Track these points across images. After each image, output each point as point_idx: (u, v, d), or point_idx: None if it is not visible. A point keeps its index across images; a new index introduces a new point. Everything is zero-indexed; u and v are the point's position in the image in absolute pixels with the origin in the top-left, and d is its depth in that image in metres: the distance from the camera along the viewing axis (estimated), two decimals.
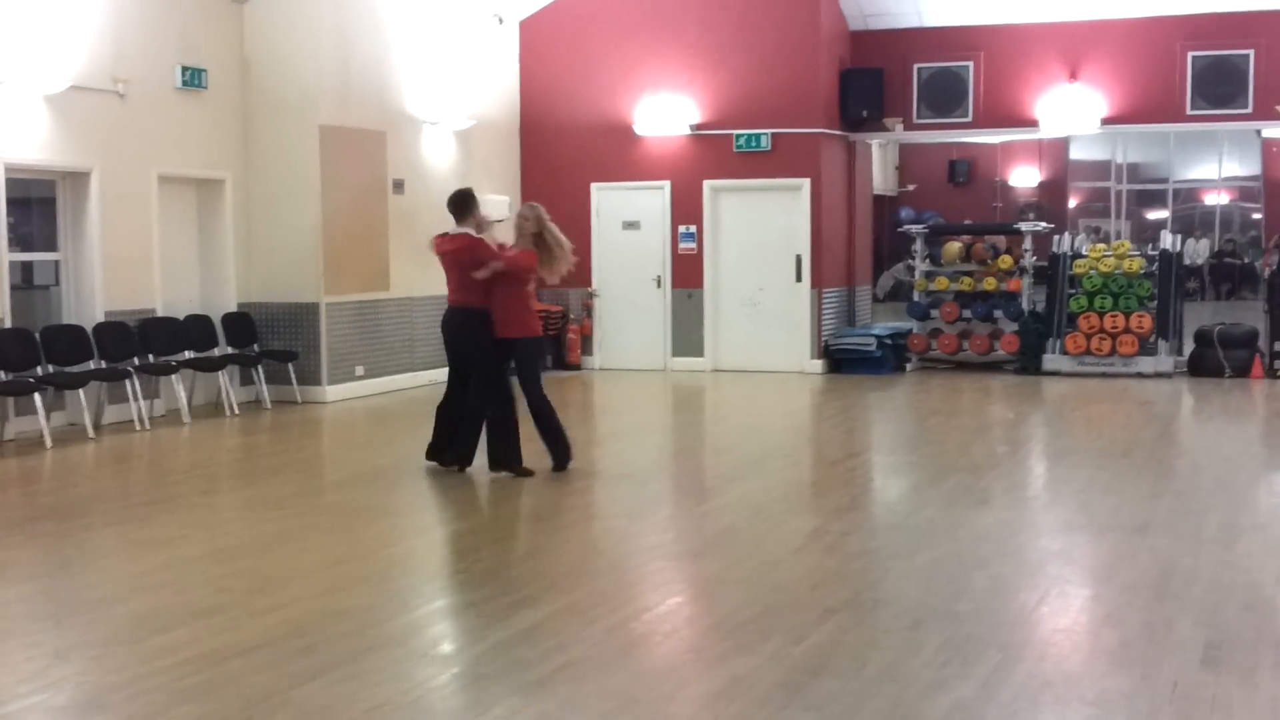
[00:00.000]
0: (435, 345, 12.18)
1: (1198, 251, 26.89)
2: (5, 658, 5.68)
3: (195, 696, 5.07)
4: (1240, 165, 27.33)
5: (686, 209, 16.80)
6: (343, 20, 14.11)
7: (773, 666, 5.36)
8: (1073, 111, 16.62)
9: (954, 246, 17.11)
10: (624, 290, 17.10)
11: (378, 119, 14.60)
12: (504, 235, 10.46)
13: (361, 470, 10.13)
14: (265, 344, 13.93)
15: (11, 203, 11.65)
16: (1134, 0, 16.10)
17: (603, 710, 4.93)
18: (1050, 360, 16.10)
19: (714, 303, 16.82)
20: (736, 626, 5.93)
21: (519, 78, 17.24)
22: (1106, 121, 16.62)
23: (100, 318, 12.26)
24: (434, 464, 9.80)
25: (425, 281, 14.05)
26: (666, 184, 16.87)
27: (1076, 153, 27.14)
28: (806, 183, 16.41)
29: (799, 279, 16.53)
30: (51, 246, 12.42)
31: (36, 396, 11.12)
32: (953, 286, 16.89)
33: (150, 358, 12.51)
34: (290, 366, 13.79)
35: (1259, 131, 19.88)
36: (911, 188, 27.14)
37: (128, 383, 12.06)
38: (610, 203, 17.12)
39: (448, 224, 9.88)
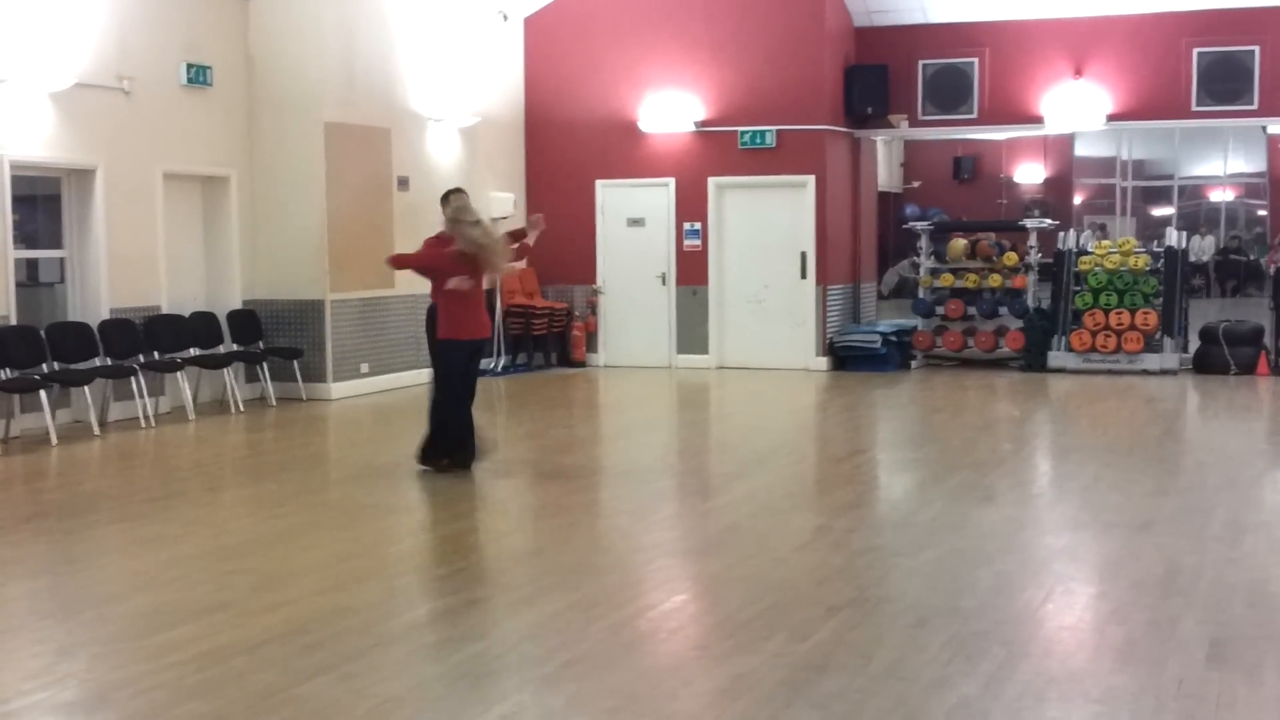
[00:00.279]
0: None
1: (1203, 248, 26.81)
2: (10, 654, 5.69)
3: (200, 693, 5.08)
4: (1246, 162, 27.24)
5: (691, 206, 16.80)
6: (347, 17, 14.11)
7: (777, 664, 5.35)
8: (1078, 108, 16.60)
9: (959, 243, 17.10)
10: (628, 287, 17.10)
11: (383, 116, 14.60)
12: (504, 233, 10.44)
13: (366, 467, 10.13)
14: (270, 341, 13.94)
15: (17, 200, 11.67)
16: None
17: (607, 707, 4.93)
18: (1055, 357, 16.08)
19: (719, 300, 16.81)
20: (741, 624, 5.93)
21: (524, 74, 17.24)
22: (1112, 118, 16.60)
23: (105, 315, 12.27)
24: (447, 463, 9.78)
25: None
26: (671, 181, 16.86)
27: (1081, 149, 27.05)
28: (811, 180, 16.40)
29: (804, 276, 16.52)
30: (57, 244, 12.43)
31: (42, 393, 11.13)
32: (958, 283, 16.87)
33: (155, 355, 12.52)
34: (295, 364, 13.80)
35: (1265, 128, 19.81)
36: (916, 184, 27.05)
37: (133, 380, 12.08)
38: (615, 199, 17.12)
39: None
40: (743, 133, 16.52)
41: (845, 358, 16.59)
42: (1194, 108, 16.32)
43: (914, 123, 17.27)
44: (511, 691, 5.10)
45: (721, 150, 16.64)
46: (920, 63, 17.05)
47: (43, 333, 11.62)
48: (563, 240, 17.13)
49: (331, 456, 11.58)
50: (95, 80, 12.16)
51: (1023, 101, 16.80)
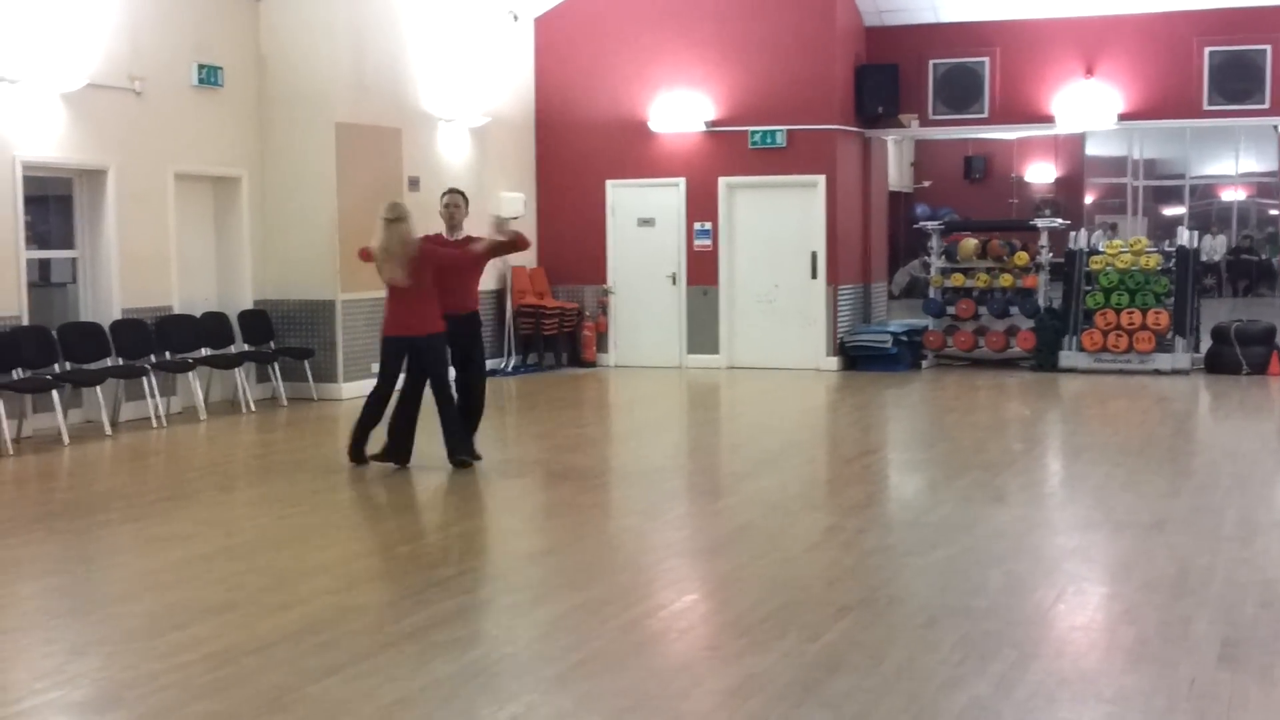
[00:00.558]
0: None
1: (1215, 248, 26.76)
2: (22, 653, 5.70)
3: (212, 692, 5.09)
4: (1257, 161, 27.17)
5: (702, 206, 16.80)
6: (358, 17, 14.13)
7: (788, 664, 5.35)
8: (1089, 107, 16.57)
9: (970, 243, 17.07)
10: (639, 287, 17.10)
11: (393, 116, 14.62)
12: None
13: (376, 467, 10.13)
14: (281, 341, 13.97)
15: (29, 200, 11.69)
16: None
17: (618, 706, 4.93)
18: (1066, 357, 16.06)
19: (729, 300, 16.81)
20: (752, 624, 5.92)
21: (534, 74, 17.25)
22: (1123, 117, 16.57)
23: (117, 315, 12.30)
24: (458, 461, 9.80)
25: None
26: (682, 181, 16.86)
27: (1093, 149, 27.02)
28: (822, 179, 16.39)
29: (814, 276, 16.51)
30: (69, 244, 12.46)
31: (54, 394, 11.15)
32: (969, 283, 16.85)
33: (167, 355, 12.55)
34: (306, 364, 13.83)
35: (1276, 127, 19.76)
36: (927, 184, 27.06)
37: (145, 380, 12.10)
38: (625, 199, 17.12)
39: (465, 223, 9.98)
40: (753, 132, 16.51)
41: (856, 358, 16.58)
42: (1205, 107, 16.28)
43: (925, 122, 17.25)
44: (523, 691, 5.11)
45: (732, 150, 16.63)
46: (931, 62, 17.04)
47: (55, 333, 11.65)
48: (573, 240, 17.17)
49: (342, 456, 11.57)
50: (107, 81, 12.19)
51: (1034, 101, 16.78)
